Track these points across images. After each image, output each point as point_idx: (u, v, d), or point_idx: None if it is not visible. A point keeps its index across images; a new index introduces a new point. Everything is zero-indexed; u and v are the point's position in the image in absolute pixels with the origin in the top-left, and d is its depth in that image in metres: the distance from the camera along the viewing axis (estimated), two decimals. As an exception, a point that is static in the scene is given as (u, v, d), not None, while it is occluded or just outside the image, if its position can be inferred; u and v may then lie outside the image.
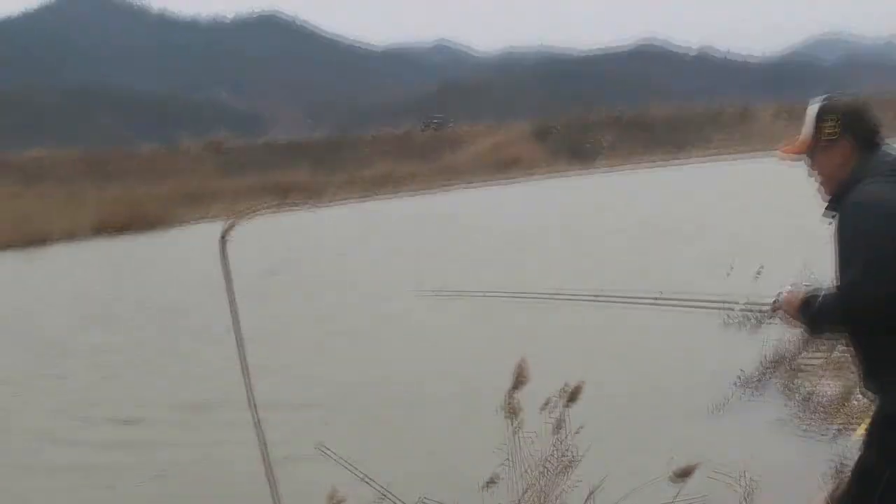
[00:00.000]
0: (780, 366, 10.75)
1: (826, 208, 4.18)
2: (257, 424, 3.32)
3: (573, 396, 6.34)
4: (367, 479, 4.48)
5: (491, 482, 6.26)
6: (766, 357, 11.07)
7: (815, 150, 4.19)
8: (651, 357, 12.33)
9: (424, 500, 4.63)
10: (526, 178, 50.36)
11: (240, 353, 3.37)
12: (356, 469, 4.42)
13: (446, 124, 67.55)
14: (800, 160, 4.29)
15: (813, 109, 4.20)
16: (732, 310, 4.78)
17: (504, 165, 54.21)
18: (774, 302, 4.37)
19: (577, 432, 6.46)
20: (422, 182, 49.05)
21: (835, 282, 4.05)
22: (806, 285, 4.31)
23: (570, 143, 60.64)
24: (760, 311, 4.69)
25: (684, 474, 6.39)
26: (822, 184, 4.22)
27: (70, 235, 33.61)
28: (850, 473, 4.26)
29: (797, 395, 9.85)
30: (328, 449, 4.25)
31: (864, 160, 4.08)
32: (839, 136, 4.12)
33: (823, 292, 4.04)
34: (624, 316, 13.67)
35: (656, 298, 5.73)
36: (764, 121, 65.17)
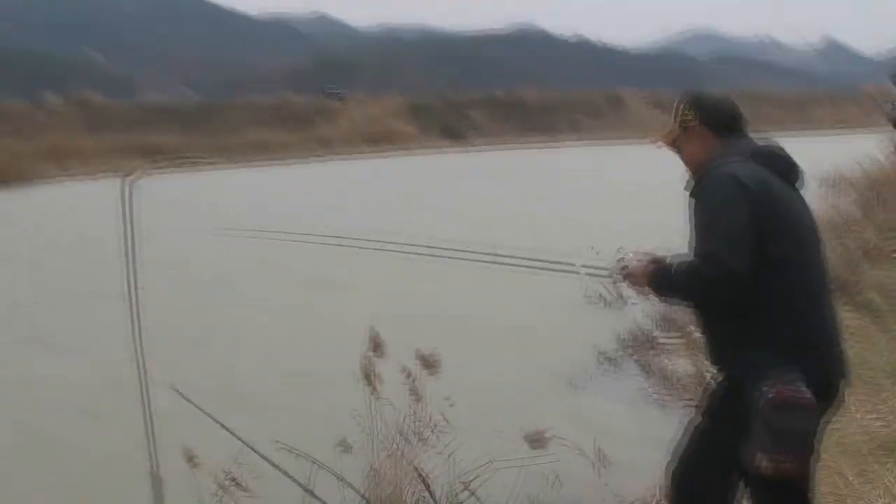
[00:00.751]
0: (639, 342, 10.92)
1: (687, 187, 4.31)
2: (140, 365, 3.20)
3: (431, 366, 6.36)
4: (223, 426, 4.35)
5: (345, 447, 6.22)
6: (625, 333, 11.27)
7: (679, 139, 4.42)
8: (515, 331, 12.42)
9: (278, 443, 4.53)
10: (399, 153, 50.43)
11: (131, 301, 3.23)
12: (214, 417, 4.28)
13: (344, 96, 67.46)
14: (671, 149, 4.49)
15: (677, 102, 4.48)
16: (577, 273, 4.76)
17: (378, 139, 54.17)
18: (622, 268, 4.48)
19: (446, 400, 6.51)
20: (294, 151, 48.83)
21: (691, 254, 4.14)
22: (646, 253, 4.46)
23: (444, 121, 60.85)
24: (603, 275, 4.76)
25: (539, 442, 6.43)
26: (687, 168, 4.42)
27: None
28: (686, 439, 4.36)
29: (654, 371, 10.03)
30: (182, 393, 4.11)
31: (723, 146, 4.27)
32: (697, 124, 4.34)
33: (678, 261, 4.17)
34: (489, 289, 13.81)
35: (497, 255, 5.74)
36: (635, 109, 66.16)
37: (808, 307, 4.10)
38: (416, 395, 6.48)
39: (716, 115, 4.36)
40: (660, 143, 4.52)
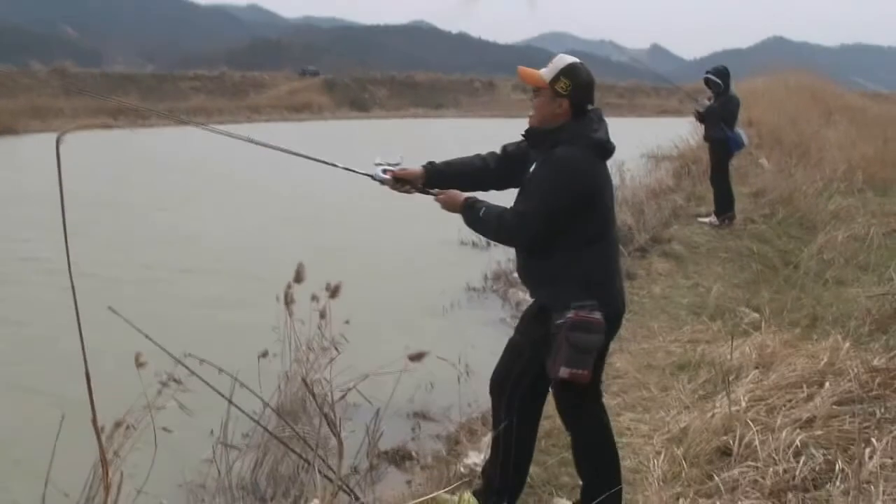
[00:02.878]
0: (500, 279, 10.99)
1: (526, 134, 4.33)
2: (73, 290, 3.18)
3: (334, 293, 6.38)
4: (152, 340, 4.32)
5: (264, 354, 6.23)
6: (490, 271, 11.33)
7: (543, 91, 4.20)
8: (400, 267, 12.42)
9: (188, 355, 4.51)
10: (315, 119, 50.08)
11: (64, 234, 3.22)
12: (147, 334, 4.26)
13: (317, 72, 66.72)
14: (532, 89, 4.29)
15: (562, 62, 4.22)
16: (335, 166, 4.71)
17: (297, 108, 53.70)
18: (375, 175, 4.54)
19: (345, 322, 6.52)
20: (230, 115, 48.22)
21: (516, 200, 4.28)
22: (399, 162, 4.56)
23: (352, 95, 60.46)
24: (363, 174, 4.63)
25: (417, 357, 6.49)
26: (531, 116, 4.30)
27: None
28: (504, 353, 4.45)
29: (511, 301, 10.09)
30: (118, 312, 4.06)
31: (573, 124, 4.16)
32: (566, 95, 4.15)
33: (487, 205, 4.24)
34: (382, 232, 13.79)
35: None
36: (504, 92, 66.31)
37: (604, 258, 4.19)
38: (323, 316, 6.51)
39: (583, 97, 4.19)
40: (523, 79, 4.34)
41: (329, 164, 4.80)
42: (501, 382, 4.37)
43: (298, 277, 6.17)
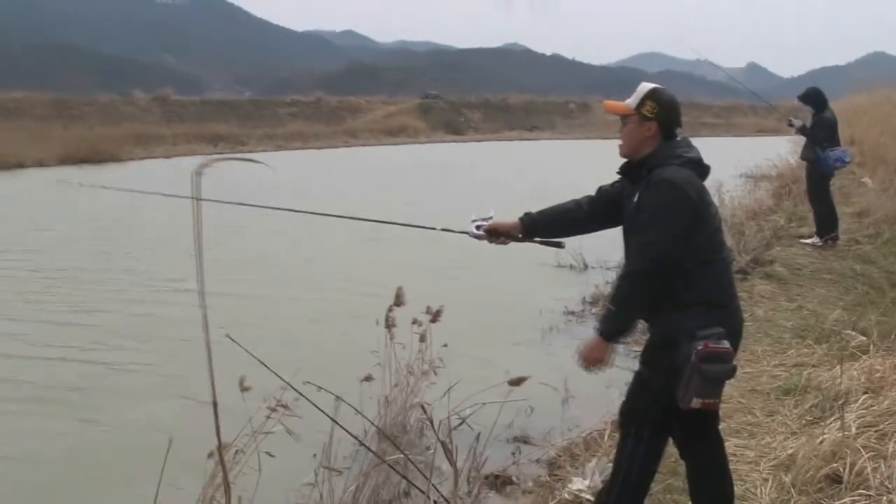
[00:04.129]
0: (598, 302, 10.93)
1: (621, 170, 4.39)
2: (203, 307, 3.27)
3: (436, 317, 6.42)
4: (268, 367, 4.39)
5: (368, 378, 6.28)
6: (588, 294, 11.29)
7: (630, 118, 4.27)
8: (499, 290, 12.40)
9: (307, 382, 4.58)
10: (411, 143, 50.41)
11: (197, 250, 3.30)
12: (260, 359, 4.33)
13: (439, 96, 67.34)
14: (617, 117, 4.39)
15: (645, 88, 4.31)
16: (434, 229, 5.01)
17: (393, 132, 54.12)
18: (472, 232, 4.73)
19: (444, 346, 6.55)
20: (327, 140, 48.82)
21: (625, 239, 4.35)
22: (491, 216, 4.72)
23: (447, 118, 60.78)
24: (459, 232, 4.81)
25: (517, 382, 6.49)
26: (622, 146, 4.34)
27: (39, 163, 33.10)
28: (632, 383, 4.42)
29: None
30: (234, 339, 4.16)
31: (665, 146, 4.22)
32: (653, 117, 4.22)
33: (607, 299, 4.43)
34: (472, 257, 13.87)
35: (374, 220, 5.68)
36: (599, 113, 66.00)
37: (720, 277, 4.18)
38: (423, 340, 6.56)
39: (670, 118, 4.26)
40: (609, 111, 4.42)
41: (427, 228, 4.98)
42: (631, 413, 4.35)
43: (398, 301, 6.22)
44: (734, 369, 4.06)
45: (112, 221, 19.35)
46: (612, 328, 4.15)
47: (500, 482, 6.15)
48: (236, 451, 4.83)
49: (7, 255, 15.13)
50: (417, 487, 5.03)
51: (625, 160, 4.35)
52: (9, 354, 9.31)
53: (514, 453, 6.76)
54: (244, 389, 4.93)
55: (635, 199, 4.22)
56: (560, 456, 6.35)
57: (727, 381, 4.09)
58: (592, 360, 4.21)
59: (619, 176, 4.41)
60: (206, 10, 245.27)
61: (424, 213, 16.68)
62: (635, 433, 4.30)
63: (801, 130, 12.38)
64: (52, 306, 11.50)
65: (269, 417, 4.85)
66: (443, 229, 4.85)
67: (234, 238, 16.63)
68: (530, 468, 6.39)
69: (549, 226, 4.64)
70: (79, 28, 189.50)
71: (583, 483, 5.20)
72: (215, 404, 3.27)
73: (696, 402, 3.98)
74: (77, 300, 11.88)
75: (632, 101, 4.28)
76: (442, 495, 4.56)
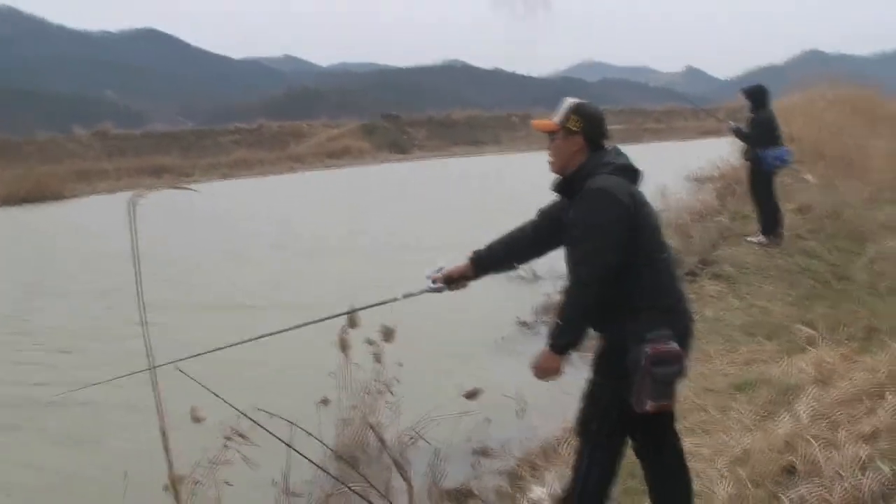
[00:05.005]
0: (549, 311, 10.96)
1: (556, 187, 4.41)
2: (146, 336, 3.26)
3: (388, 337, 6.44)
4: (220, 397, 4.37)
5: (324, 401, 6.30)
6: (538, 304, 11.34)
7: (557, 134, 4.33)
8: (450, 304, 12.41)
9: (260, 410, 4.56)
10: (355, 164, 50.38)
11: (138, 290, 3.29)
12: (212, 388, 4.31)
13: (400, 118, 67.09)
14: (543, 134, 4.45)
15: (568, 103, 4.38)
16: (396, 300, 5.03)
17: (337, 154, 54.01)
18: (428, 287, 4.87)
19: (399, 365, 6.57)
20: (271, 166, 48.66)
21: (566, 252, 4.30)
22: (441, 266, 4.82)
23: (391, 138, 60.71)
24: (420, 293, 4.93)
25: (472, 395, 6.52)
26: (552, 163, 4.41)
27: (-21, 206, 32.71)
28: (585, 390, 4.42)
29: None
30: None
31: (593, 157, 4.29)
32: (578, 132, 4.29)
33: (556, 315, 4.27)
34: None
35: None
36: (540, 125, 66.44)
37: (664, 279, 4.20)
38: (378, 360, 6.57)
39: (595, 130, 4.31)
40: (538, 126, 4.47)
41: (390, 301, 4.99)
42: (587, 421, 4.36)
43: (352, 323, 6.21)
44: (684, 370, 4.11)
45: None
46: (562, 342, 4.16)
47: (461, 496, 6.16)
48: (195, 483, 4.82)
49: None
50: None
51: (557, 177, 4.40)
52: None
53: (473, 466, 6.79)
54: (196, 420, 4.92)
55: (570, 212, 4.25)
56: (520, 466, 6.38)
57: (679, 382, 4.12)
58: (546, 372, 4.24)
59: (555, 193, 4.45)
60: (145, 42, 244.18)
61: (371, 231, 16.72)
62: (592, 440, 4.33)
63: (736, 133, 12.54)
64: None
65: (225, 446, 4.82)
66: (404, 296, 4.93)
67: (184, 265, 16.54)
68: (491, 479, 6.40)
69: (499, 259, 4.71)
70: (17, 67, 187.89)
71: (542, 491, 5.23)
72: (164, 434, 3.24)
73: (650, 406, 4.00)
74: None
75: (557, 117, 4.34)
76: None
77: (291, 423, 4.70)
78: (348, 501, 5.52)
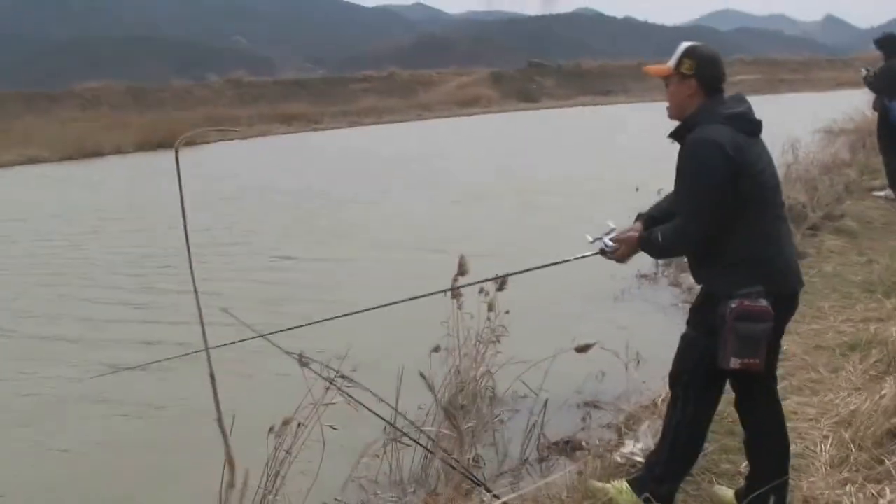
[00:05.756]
0: (671, 264, 10.84)
1: (671, 133, 4.31)
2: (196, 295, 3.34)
3: (502, 286, 6.42)
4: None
5: (437, 349, 6.34)
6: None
7: (671, 79, 4.29)
8: (569, 253, 12.32)
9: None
10: (484, 113, 50.29)
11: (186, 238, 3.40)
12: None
13: (545, 66, 66.61)
14: (659, 78, 4.40)
15: (682, 47, 4.32)
16: (567, 260, 4.99)
17: (467, 103, 53.94)
18: (604, 248, 4.62)
19: (506, 313, 6.56)
20: (400, 114, 48.87)
21: (673, 205, 4.31)
22: (622, 233, 4.56)
23: (519, 87, 60.40)
24: (590, 255, 4.77)
25: (584, 349, 6.51)
26: (669, 108, 4.36)
27: (117, 150, 33.62)
28: (677, 347, 4.41)
29: (682, 286, 9.98)
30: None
31: (708, 102, 4.20)
32: (692, 75, 4.21)
33: (660, 230, 4.26)
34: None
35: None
36: (672, 74, 65.39)
37: (772, 238, 4.12)
38: (492, 309, 6.57)
39: (710, 73, 4.24)
40: (651, 71, 4.45)
41: (561, 262, 5.02)
42: (678, 375, 4.35)
43: (462, 270, 6.22)
44: (770, 329, 4.00)
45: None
46: (650, 248, 4.35)
47: (567, 447, 6.18)
48: (298, 424, 4.93)
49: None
50: (430, 451, 5.08)
51: (676, 122, 4.32)
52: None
53: (583, 419, 6.78)
54: (303, 364, 5.02)
55: (678, 160, 4.21)
56: (627, 421, 6.35)
57: (766, 340, 4.02)
58: (621, 254, 4.53)
59: (672, 139, 4.35)
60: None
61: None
62: (682, 394, 4.31)
63: (866, 81, 12.13)
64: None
65: (327, 390, 4.90)
66: (576, 258, 4.93)
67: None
68: (597, 433, 6.40)
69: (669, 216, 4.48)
70: (147, 16, 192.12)
71: (635, 446, 5.21)
72: (212, 376, 3.28)
73: (734, 363, 3.96)
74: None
75: (671, 61, 4.29)
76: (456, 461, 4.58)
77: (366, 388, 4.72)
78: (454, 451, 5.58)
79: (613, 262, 4.66)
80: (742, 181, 4.02)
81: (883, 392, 5.07)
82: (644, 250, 4.39)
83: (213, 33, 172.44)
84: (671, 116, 4.34)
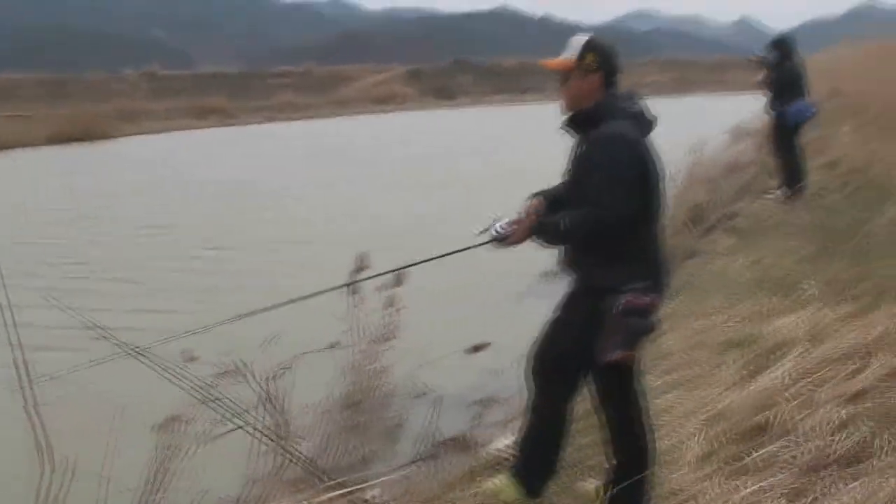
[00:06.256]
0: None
1: (567, 124, 4.24)
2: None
3: (399, 281, 6.44)
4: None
5: (334, 345, 6.36)
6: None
7: (573, 73, 4.18)
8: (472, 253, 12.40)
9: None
10: (400, 110, 50.36)
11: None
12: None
13: (469, 63, 66.59)
14: (556, 73, 4.27)
15: (579, 40, 4.23)
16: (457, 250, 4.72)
17: (383, 100, 53.98)
18: (496, 234, 4.38)
19: (399, 308, 6.59)
20: (317, 110, 48.75)
21: (575, 199, 4.16)
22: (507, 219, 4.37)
23: (437, 84, 60.58)
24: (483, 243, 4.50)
25: (477, 349, 6.58)
26: (565, 102, 4.25)
27: (26, 145, 32.88)
28: (546, 328, 4.43)
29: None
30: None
31: (609, 97, 4.16)
32: (597, 69, 4.16)
33: (567, 216, 4.09)
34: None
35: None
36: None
37: (655, 235, 4.19)
38: (390, 304, 6.59)
39: (614, 66, 4.20)
40: (548, 65, 4.30)
41: (448, 254, 4.82)
42: (544, 360, 4.35)
43: (361, 265, 6.21)
44: (653, 326, 4.10)
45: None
46: (545, 234, 4.19)
47: (456, 444, 6.24)
48: (186, 422, 4.93)
49: None
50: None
51: (567, 115, 4.26)
52: None
53: (475, 417, 6.85)
54: (190, 360, 5.03)
55: (582, 148, 4.19)
56: (514, 418, 6.42)
57: (648, 336, 4.13)
58: (515, 238, 4.29)
59: (564, 131, 4.30)
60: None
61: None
62: (547, 378, 4.35)
63: (761, 82, 12.45)
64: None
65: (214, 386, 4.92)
66: (466, 248, 4.63)
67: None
68: (487, 430, 6.46)
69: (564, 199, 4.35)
70: (63, 5, 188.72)
71: (507, 440, 5.29)
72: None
73: (615, 355, 4.02)
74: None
75: (571, 54, 4.20)
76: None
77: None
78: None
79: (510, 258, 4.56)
80: (645, 180, 4.08)
81: (756, 388, 5.20)
82: (538, 235, 4.21)
83: (129, 25, 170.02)
84: (566, 110, 4.26)
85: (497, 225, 4.38)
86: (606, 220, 4.00)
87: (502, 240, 4.36)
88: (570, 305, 4.32)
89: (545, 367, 4.36)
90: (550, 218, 4.22)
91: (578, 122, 4.22)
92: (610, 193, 3.97)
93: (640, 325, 4.03)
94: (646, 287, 4.02)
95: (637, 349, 4.12)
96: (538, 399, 4.42)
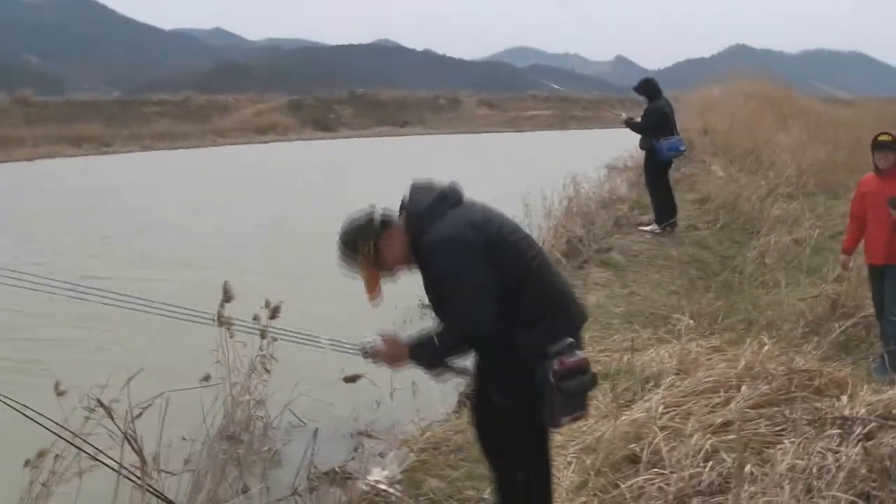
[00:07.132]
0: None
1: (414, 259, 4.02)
2: None
3: (274, 313, 6.40)
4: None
5: (206, 378, 6.27)
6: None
7: (376, 265, 4.01)
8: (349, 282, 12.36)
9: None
10: (280, 140, 50.08)
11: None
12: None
13: (358, 94, 66.32)
14: (379, 290, 4.09)
15: (345, 251, 4.07)
16: (321, 346, 4.59)
17: (262, 130, 53.60)
18: (368, 349, 4.09)
19: (275, 340, 6.54)
20: (195, 139, 48.15)
21: (436, 316, 4.03)
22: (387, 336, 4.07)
23: (316, 115, 60.42)
24: (348, 351, 4.35)
25: (352, 379, 6.56)
26: (394, 269, 4.09)
27: None
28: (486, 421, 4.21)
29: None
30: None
31: (409, 227, 3.97)
32: (371, 245, 3.95)
33: (431, 332, 3.88)
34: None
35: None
36: (469, 108, 66.76)
37: (549, 284, 4.00)
38: (264, 336, 6.52)
39: (369, 232, 3.94)
40: (373, 297, 4.10)
41: (313, 342, 4.64)
42: (505, 450, 4.13)
43: (227, 297, 6.16)
44: (595, 377, 3.95)
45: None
46: (423, 359, 3.97)
47: (339, 477, 6.21)
48: (56, 457, 4.82)
49: None
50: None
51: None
52: None
53: (356, 448, 6.84)
54: (59, 394, 4.92)
55: (429, 274, 3.99)
56: (387, 449, 6.45)
57: (591, 390, 3.99)
58: (392, 361, 4.03)
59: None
60: (71, 9, 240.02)
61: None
62: (520, 466, 4.09)
63: (627, 124, 12.86)
64: None
65: (87, 419, 4.81)
66: (331, 347, 4.51)
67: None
68: (367, 461, 6.45)
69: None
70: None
71: (381, 473, 5.30)
72: None
73: (566, 420, 3.91)
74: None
75: (363, 270, 4.05)
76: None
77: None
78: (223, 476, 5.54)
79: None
80: (498, 248, 3.88)
81: (627, 420, 5.30)
82: (416, 360, 3.94)
83: (1, 50, 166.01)
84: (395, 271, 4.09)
85: (373, 340, 4.10)
86: (469, 331, 3.83)
87: (370, 354, 4.10)
88: (507, 385, 3.98)
89: (511, 455, 4.12)
90: (421, 339, 3.94)
91: (413, 261, 4.04)
92: (462, 300, 3.82)
93: (580, 385, 3.84)
94: (572, 345, 3.85)
95: (585, 407, 3.96)
96: (520, 487, 4.12)
